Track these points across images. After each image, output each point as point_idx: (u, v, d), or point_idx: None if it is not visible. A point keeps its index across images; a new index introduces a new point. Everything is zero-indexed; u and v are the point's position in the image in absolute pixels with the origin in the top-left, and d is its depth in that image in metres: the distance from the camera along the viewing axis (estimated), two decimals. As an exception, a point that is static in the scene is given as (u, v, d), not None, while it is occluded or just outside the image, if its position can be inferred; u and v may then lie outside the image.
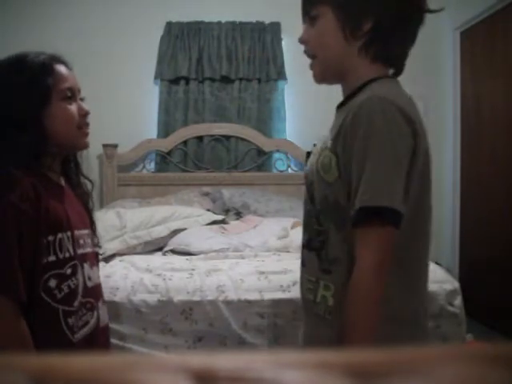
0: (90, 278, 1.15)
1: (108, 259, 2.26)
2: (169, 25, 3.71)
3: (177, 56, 3.69)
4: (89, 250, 1.19)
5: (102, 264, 2.16)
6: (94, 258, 1.23)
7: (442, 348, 0.22)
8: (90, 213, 1.27)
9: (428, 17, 1.01)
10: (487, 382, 0.19)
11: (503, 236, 3.19)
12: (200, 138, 3.71)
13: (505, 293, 3.11)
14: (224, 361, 0.21)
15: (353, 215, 0.86)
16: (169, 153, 3.67)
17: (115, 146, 3.60)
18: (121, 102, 3.73)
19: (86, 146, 1.18)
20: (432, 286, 1.96)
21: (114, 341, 1.84)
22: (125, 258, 2.26)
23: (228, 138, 3.71)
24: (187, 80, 3.70)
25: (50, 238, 1.04)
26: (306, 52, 1.00)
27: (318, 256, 0.95)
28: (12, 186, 1.00)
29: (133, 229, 2.47)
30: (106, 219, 2.55)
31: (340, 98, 1.05)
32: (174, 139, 3.64)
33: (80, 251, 1.13)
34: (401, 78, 1.05)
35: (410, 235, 0.91)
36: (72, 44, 3.70)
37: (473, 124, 3.62)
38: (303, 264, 1.01)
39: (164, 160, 3.70)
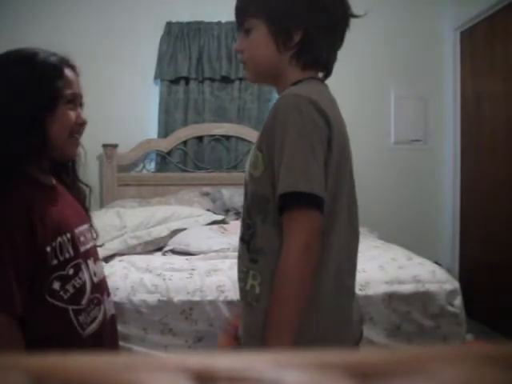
0: (95, 274, 1.16)
1: (108, 259, 2.26)
2: (169, 25, 3.72)
3: (177, 56, 3.69)
4: (90, 244, 1.19)
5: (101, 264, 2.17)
6: (96, 252, 1.24)
7: (442, 348, 0.22)
8: (85, 208, 1.27)
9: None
10: (487, 382, 0.19)
11: (503, 236, 3.19)
12: (200, 138, 3.71)
13: (505, 293, 3.11)
14: (224, 361, 0.21)
15: (278, 203, 0.92)
16: (169, 153, 3.67)
17: (115, 146, 3.60)
18: (121, 102, 3.73)
19: (74, 156, 1.17)
20: (432, 286, 1.96)
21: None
22: (125, 257, 2.26)
23: (228, 138, 3.71)
24: (187, 80, 3.70)
25: (54, 243, 1.04)
26: (241, 59, 1.08)
27: (248, 247, 1.01)
28: (4, 200, 0.99)
29: (133, 229, 2.47)
30: (106, 219, 2.55)
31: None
32: (173, 139, 3.64)
33: (82, 248, 1.13)
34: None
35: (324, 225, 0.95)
36: (72, 44, 3.69)
37: (473, 124, 3.62)
38: (238, 256, 1.07)
39: (164, 160, 3.70)
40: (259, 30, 1.00)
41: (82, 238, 1.14)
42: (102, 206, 3.57)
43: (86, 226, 1.20)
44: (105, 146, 3.59)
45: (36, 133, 1.04)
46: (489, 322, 3.22)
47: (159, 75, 3.73)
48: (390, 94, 3.90)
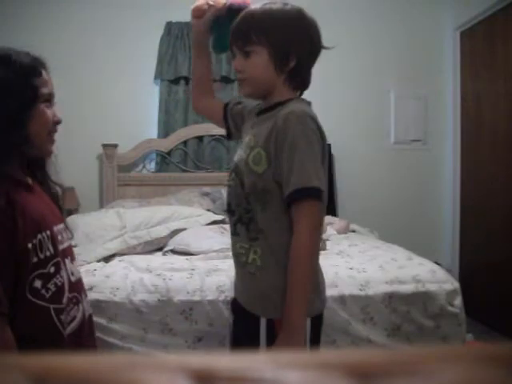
0: (72, 273, 1.16)
1: (108, 259, 2.26)
2: (169, 25, 3.72)
3: (177, 56, 3.69)
4: (67, 243, 1.19)
5: (101, 264, 2.17)
6: (72, 252, 1.23)
7: (442, 348, 0.22)
8: (60, 207, 1.26)
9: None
10: (487, 382, 0.19)
11: (503, 236, 3.19)
12: (200, 138, 3.71)
13: (505, 293, 3.11)
14: (224, 361, 0.21)
15: (288, 195, 1.14)
16: (169, 153, 3.67)
17: (115, 146, 3.60)
18: (121, 102, 3.73)
19: (50, 153, 1.17)
20: (432, 286, 1.96)
21: (114, 341, 1.84)
22: (125, 257, 2.26)
23: (228, 137, 3.71)
24: (187, 80, 3.70)
25: (34, 241, 1.03)
26: (238, 77, 1.25)
27: (247, 228, 1.23)
28: None
29: (133, 229, 2.47)
30: (106, 219, 2.55)
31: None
32: (174, 139, 3.64)
33: (61, 247, 1.13)
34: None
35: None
36: (72, 44, 3.70)
37: (473, 124, 3.62)
38: (236, 234, 1.27)
39: (164, 160, 3.70)
40: (261, 54, 1.18)
41: (59, 237, 1.14)
42: (102, 206, 3.57)
43: (61, 226, 1.19)
44: (105, 145, 3.59)
45: (17, 131, 1.04)
46: (489, 322, 3.22)
47: (159, 75, 3.73)
48: (390, 94, 3.90)
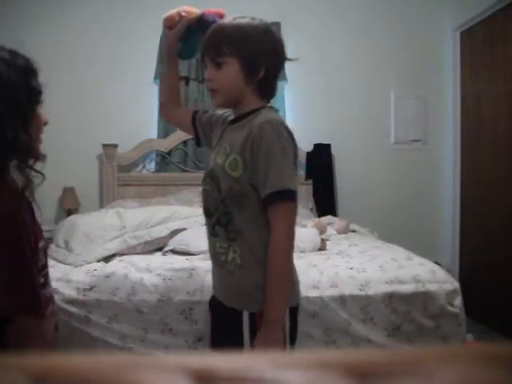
0: (50, 286, 1.15)
1: (108, 259, 2.26)
2: (169, 25, 3.71)
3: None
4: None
5: (101, 264, 2.17)
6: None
7: (442, 348, 0.22)
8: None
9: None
10: (487, 382, 0.19)
11: (503, 236, 3.19)
12: (200, 138, 3.71)
13: (505, 293, 3.11)
14: (224, 361, 0.21)
15: (265, 197, 1.23)
16: (169, 153, 3.67)
17: (115, 146, 3.60)
18: (121, 102, 3.73)
19: (42, 156, 1.12)
20: (432, 286, 1.96)
21: (114, 341, 1.84)
22: (125, 257, 2.26)
23: (228, 138, 3.71)
24: (187, 80, 3.70)
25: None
26: (208, 87, 1.34)
27: (226, 229, 1.31)
28: (19, 199, 0.97)
29: (133, 229, 2.47)
30: (106, 219, 2.55)
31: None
32: (173, 139, 3.64)
33: (47, 259, 1.11)
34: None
35: None
36: (73, 44, 3.70)
37: (473, 124, 3.62)
38: (215, 235, 1.35)
39: (164, 160, 3.70)
40: (233, 65, 1.27)
41: (47, 250, 1.13)
42: (102, 206, 3.57)
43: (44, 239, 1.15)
44: (105, 145, 3.59)
45: (23, 135, 1.01)
46: (489, 322, 3.22)
47: (159, 75, 3.72)
48: (390, 94, 3.90)
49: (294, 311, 1.34)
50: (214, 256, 1.37)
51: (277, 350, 1.20)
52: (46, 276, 1.08)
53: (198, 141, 1.57)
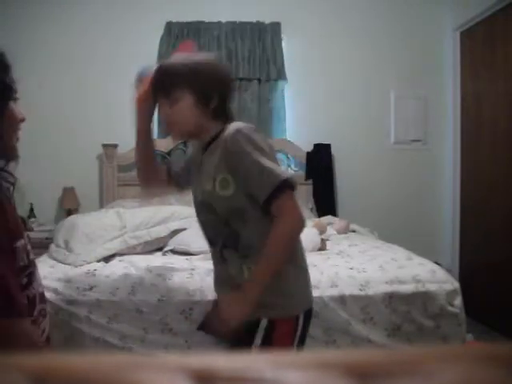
0: (40, 284, 1.12)
1: (108, 259, 2.26)
2: (169, 25, 3.72)
3: (177, 56, 3.69)
4: (33, 254, 1.12)
5: (101, 264, 2.17)
6: (35, 263, 1.16)
7: (442, 348, 0.22)
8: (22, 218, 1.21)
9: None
10: (487, 381, 0.19)
11: (503, 236, 3.19)
12: (200, 138, 3.71)
13: (505, 293, 3.11)
14: (224, 361, 0.21)
15: (266, 199, 1.25)
16: (169, 153, 3.67)
17: (115, 146, 3.60)
18: (121, 102, 3.73)
19: (17, 155, 1.08)
20: (432, 286, 1.96)
21: (114, 341, 1.84)
22: (125, 257, 2.26)
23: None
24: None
25: (15, 247, 0.99)
26: (164, 123, 1.41)
27: (236, 249, 1.33)
28: None
29: (133, 229, 2.47)
30: (106, 219, 2.55)
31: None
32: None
33: (31, 257, 1.07)
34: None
35: None
36: (73, 44, 3.70)
37: (473, 124, 3.62)
38: (224, 261, 1.37)
39: (164, 160, 3.70)
40: (187, 99, 1.33)
41: (28, 246, 1.08)
42: (102, 206, 3.57)
43: (27, 234, 1.11)
44: (105, 145, 3.59)
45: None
46: (489, 322, 3.22)
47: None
48: (390, 94, 3.90)
49: (308, 314, 1.37)
50: (225, 282, 1.40)
51: (236, 318, 1.26)
52: (31, 275, 1.03)
53: (178, 185, 1.64)
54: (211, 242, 1.41)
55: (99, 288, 1.90)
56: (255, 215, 1.30)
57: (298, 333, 1.32)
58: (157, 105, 1.43)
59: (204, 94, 1.34)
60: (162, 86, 1.36)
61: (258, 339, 1.28)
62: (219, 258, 1.39)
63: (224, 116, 1.40)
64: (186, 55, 1.40)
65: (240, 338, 1.34)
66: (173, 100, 1.34)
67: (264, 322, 1.29)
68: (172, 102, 1.34)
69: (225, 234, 1.34)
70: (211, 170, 1.34)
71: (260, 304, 1.27)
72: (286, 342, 1.32)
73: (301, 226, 1.28)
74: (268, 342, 1.28)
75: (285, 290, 1.32)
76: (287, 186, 1.26)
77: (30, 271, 1.04)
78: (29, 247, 1.07)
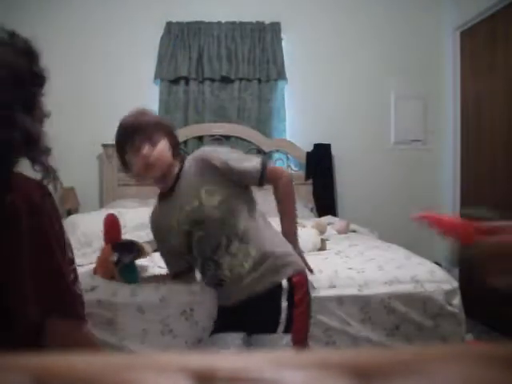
0: (79, 283, 1.09)
1: (108, 259, 2.25)
2: (169, 25, 3.72)
3: (177, 56, 3.69)
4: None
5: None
6: None
7: (442, 348, 0.22)
8: None
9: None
10: (487, 381, 0.19)
11: (503, 236, 3.19)
12: (200, 138, 3.71)
13: (505, 293, 3.10)
14: (224, 361, 0.21)
15: (259, 173, 1.65)
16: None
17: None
18: (121, 102, 3.73)
19: (49, 148, 1.01)
20: (431, 286, 1.96)
21: (114, 341, 1.84)
22: (125, 258, 2.25)
23: (228, 137, 3.71)
24: (187, 80, 3.70)
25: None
26: (149, 162, 1.62)
27: (239, 240, 1.61)
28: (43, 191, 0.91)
29: (133, 229, 2.46)
30: (105, 219, 2.54)
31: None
32: (173, 139, 3.64)
33: (73, 254, 1.07)
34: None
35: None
36: (72, 44, 3.70)
37: (473, 124, 3.62)
38: (218, 265, 1.67)
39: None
40: (163, 143, 1.65)
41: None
42: (102, 206, 3.57)
43: None
44: (105, 145, 3.59)
45: (32, 122, 0.92)
46: (489, 322, 3.22)
47: (159, 75, 3.72)
48: (390, 94, 3.90)
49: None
50: (218, 282, 1.69)
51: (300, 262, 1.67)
52: (75, 271, 1.01)
53: (190, 262, 1.84)
54: (211, 258, 1.64)
55: (100, 288, 1.90)
56: (243, 207, 1.63)
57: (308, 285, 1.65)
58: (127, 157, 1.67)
59: (174, 141, 1.70)
60: (145, 131, 1.62)
61: (284, 301, 1.53)
62: (212, 265, 1.65)
63: (179, 156, 1.73)
64: (139, 112, 1.71)
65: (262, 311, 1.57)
66: (155, 142, 1.62)
67: (285, 283, 1.56)
68: (154, 144, 1.62)
69: (224, 236, 1.59)
70: (190, 191, 1.62)
71: (278, 267, 1.59)
72: (304, 298, 1.60)
73: (291, 177, 1.73)
74: (291, 302, 1.54)
75: (287, 250, 1.66)
76: (266, 161, 1.71)
77: (74, 267, 1.01)
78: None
